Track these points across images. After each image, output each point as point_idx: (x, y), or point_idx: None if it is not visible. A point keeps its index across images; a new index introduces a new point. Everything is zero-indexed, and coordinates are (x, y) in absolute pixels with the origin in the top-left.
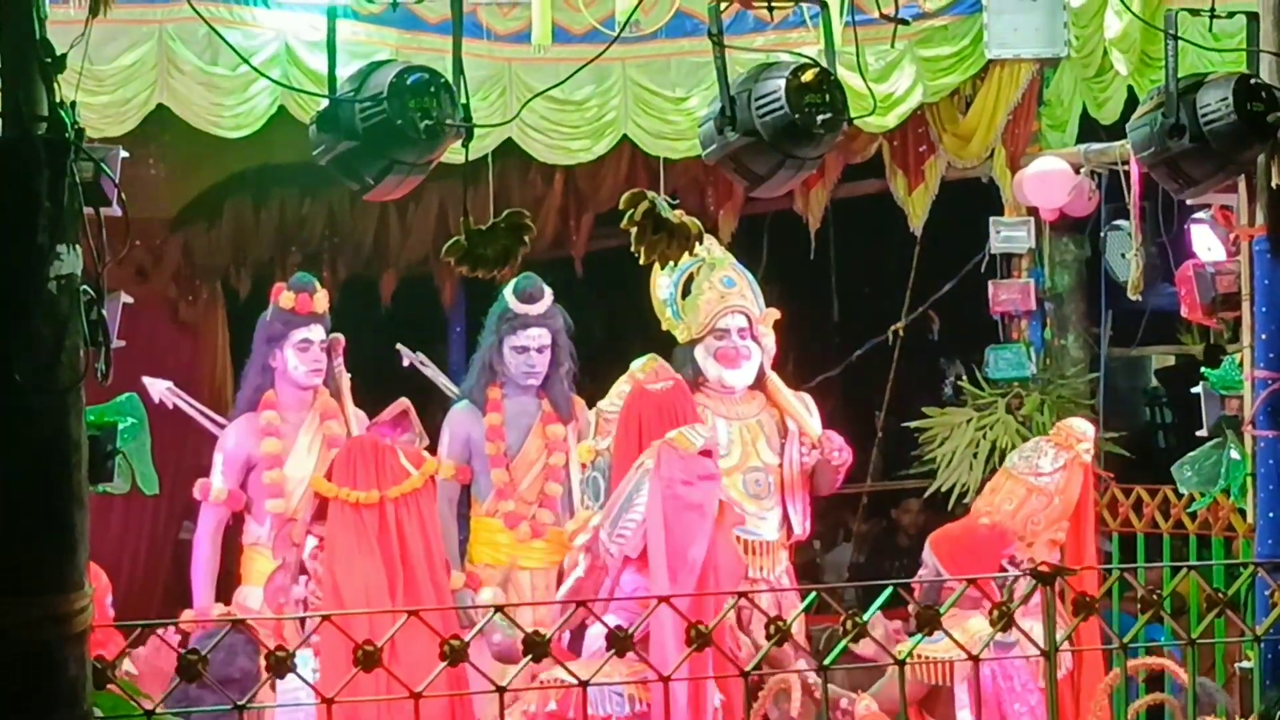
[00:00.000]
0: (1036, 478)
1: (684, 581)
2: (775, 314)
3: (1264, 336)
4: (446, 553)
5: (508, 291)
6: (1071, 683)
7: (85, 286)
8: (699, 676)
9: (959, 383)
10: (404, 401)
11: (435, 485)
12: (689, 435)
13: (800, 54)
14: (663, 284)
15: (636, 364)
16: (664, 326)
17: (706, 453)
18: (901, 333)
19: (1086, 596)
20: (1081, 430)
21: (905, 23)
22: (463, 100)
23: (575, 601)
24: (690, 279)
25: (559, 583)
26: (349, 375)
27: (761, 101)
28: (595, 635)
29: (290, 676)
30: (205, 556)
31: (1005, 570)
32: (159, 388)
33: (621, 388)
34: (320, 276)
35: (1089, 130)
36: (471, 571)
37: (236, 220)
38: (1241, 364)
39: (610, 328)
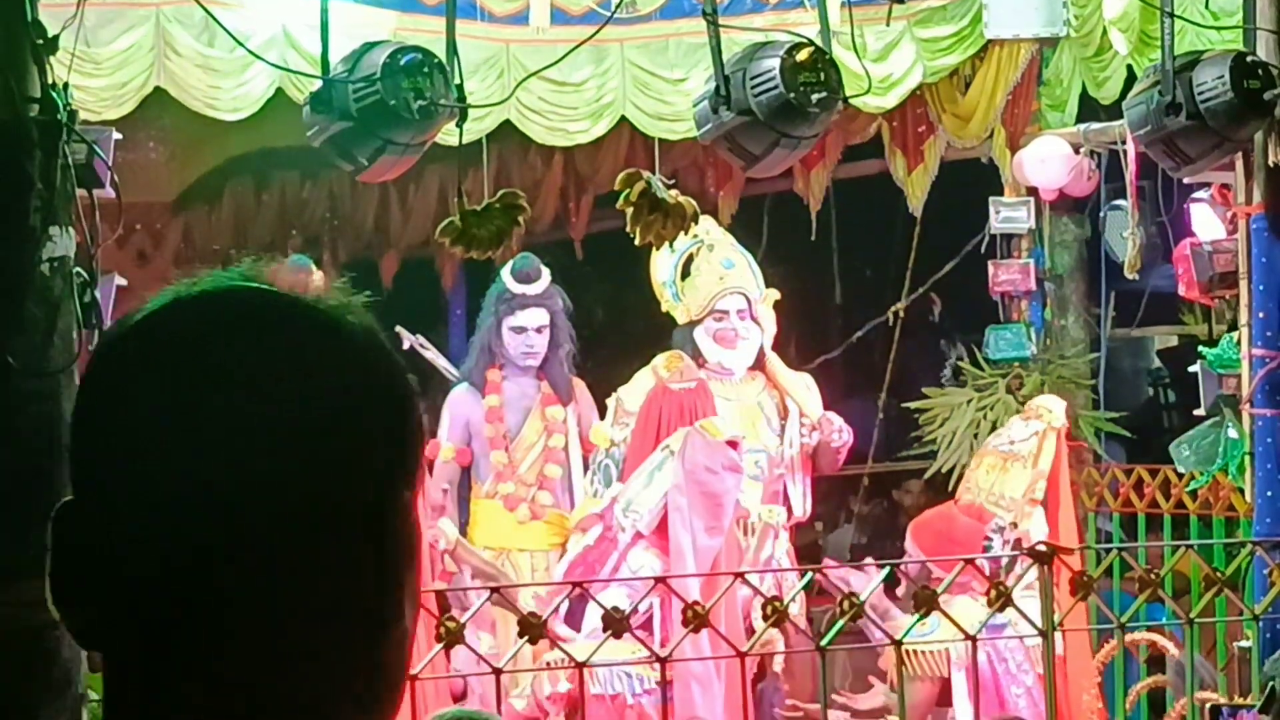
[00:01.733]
0: (1010, 445)
1: (701, 567)
2: (775, 295)
3: (1262, 315)
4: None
5: (505, 272)
6: (1062, 663)
7: (78, 269)
8: (697, 658)
9: (959, 363)
10: None
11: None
12: (718, 424)
13: (798, 34)
14: (662, 265)
15: (660, 359)
16: (663, 308)
17: (733, 444)
18: (902, 313)
19: (1085, 576)
20: (1053, 403)
21: (900, 1)
22: (456, 81)
23: (571, 583)
24: (689, 260)
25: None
26: None
27: (756, 81)
28: (594, 612)
29: None
30: None
31: (988, 547)
32: None
33: (644, 380)
34: (320, 259)
35: (1089, 110)
36: None
37: (237, 203)
38: (1239, 342)
39: (611, 309)
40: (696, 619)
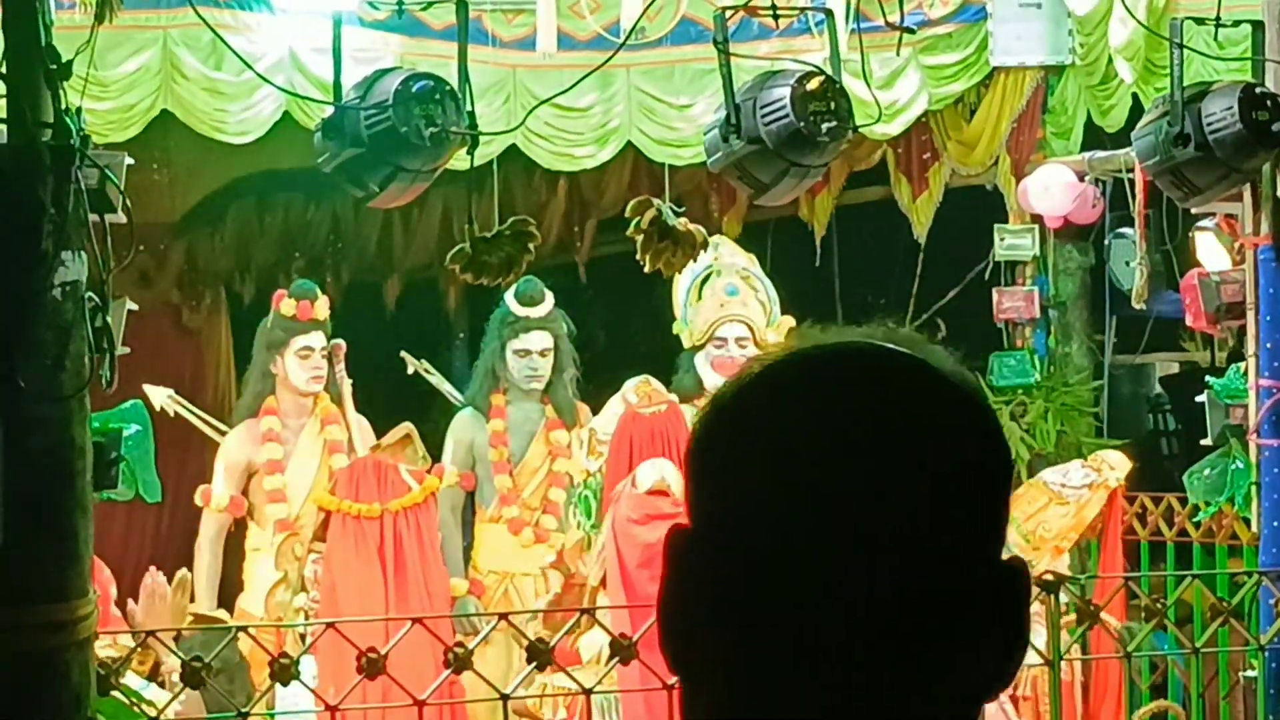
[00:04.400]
0: (1062, 488)
1: (643, 616)
2: (789, 322)
3: (1269, 345)
4: (449, 559)
5: (509, 295)
6: (1071, 691)
7: (90, 293)
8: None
9: None
10: (407, 426)
11: (436, 501)
12: (639, 475)
13: (805, 62)
14: (680, 288)
15: (629, 385)
16: (674, 330)
17: (662, 492)
18: None
19: (1092, 605)
20: (1116, 460)
21: (911, 30)
22: (468, 108)
23: (580, 610)
24: (704, 284)
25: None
26: (351, 381)
27: (767, 110)
28: (588, 643)
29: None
30: (206, 563)
31: None
32: (160, 395)
33: (615, 408)
34: (324, 282)
35: (1093, 138)
36: (475, 578)
37: (240, 226)
38: (1246, 373)
39: (614, 333)
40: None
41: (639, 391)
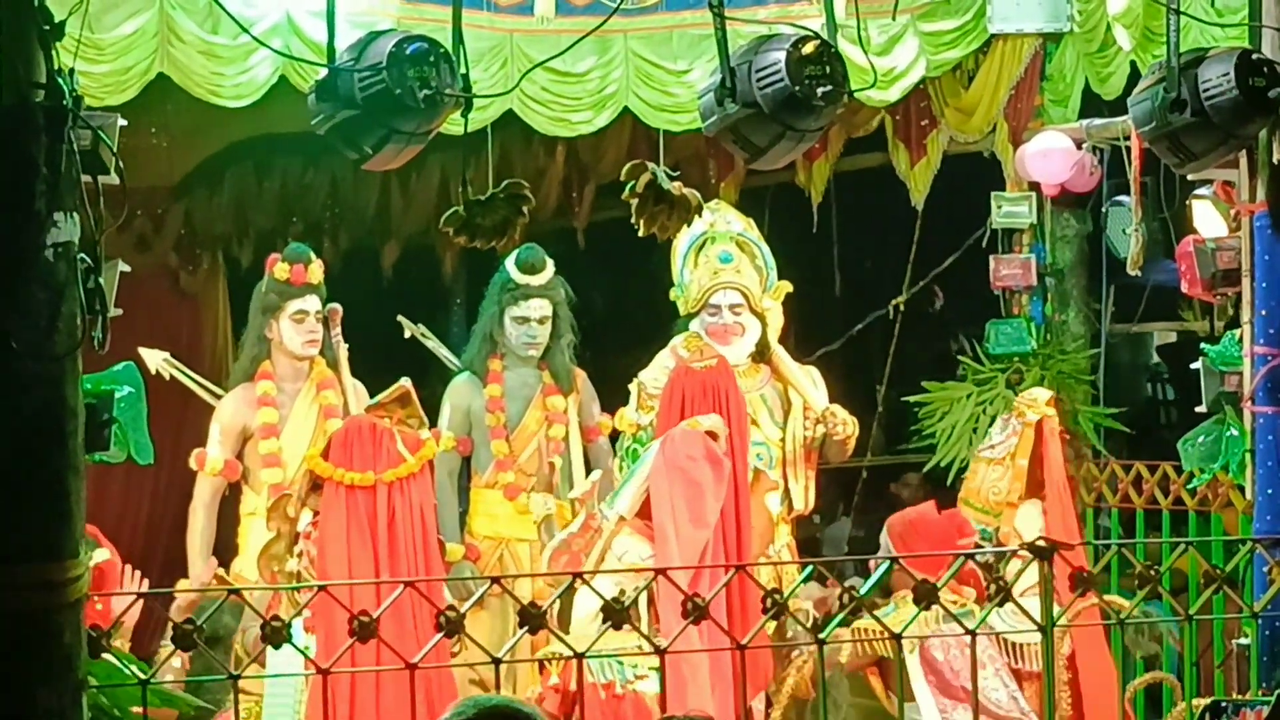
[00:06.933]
0: (990, 450)
1: (687, 556)
2: (786, 286)
3: (1264, 312)
4: (446, 525)
5: (509, 262)
6: (1070, 661)
7: (82, 254)
8: (697, 650)
9: (959, 357)
10: (405, 383)
11: (432, 469)
12: (699, 419)
13: (802, 27)
14: (677, 253)
15: (678, 340)
16: (671, 296)
17: (713, 435)
18: (903, 307)
19: (1086, 573)
20: (1031, 396)
21: None
22: (462, 70)
23: (571, 573)
24: (700, 250)
25: None
26: (347, 345)
27: (762, 73)
28: (584, 599)
29: (282, 648)
30: (201, 527)
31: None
32: (156, 358)
33: (665, 362)
34: (321, 246)
35: (1091, 105)
36: (470, 543)
37: (238, 189)
38: (1241, 340)
39: (612, 299)
40: (696, 611)
41: (689, 346)
